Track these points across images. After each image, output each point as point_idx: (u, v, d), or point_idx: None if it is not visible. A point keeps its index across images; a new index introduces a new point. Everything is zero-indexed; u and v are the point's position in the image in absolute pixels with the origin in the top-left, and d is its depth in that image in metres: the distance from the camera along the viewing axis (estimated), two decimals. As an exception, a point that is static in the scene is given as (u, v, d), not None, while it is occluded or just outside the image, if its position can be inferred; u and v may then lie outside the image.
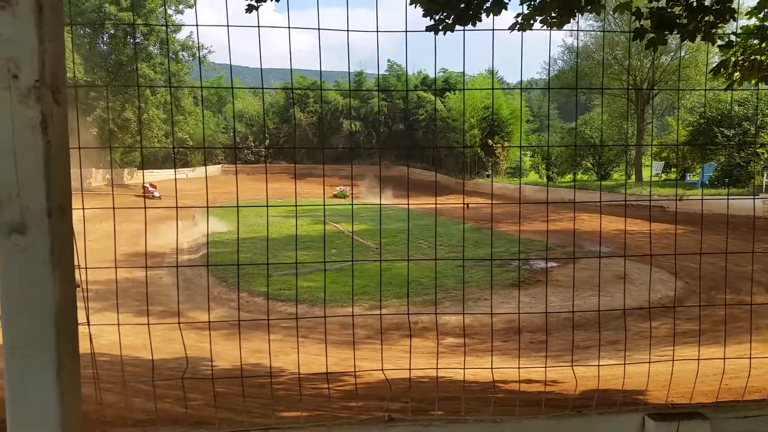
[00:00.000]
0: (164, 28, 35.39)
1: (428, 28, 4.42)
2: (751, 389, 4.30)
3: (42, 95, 1.08)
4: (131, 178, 34.74)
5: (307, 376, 6.89)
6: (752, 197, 18.33)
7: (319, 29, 1.71)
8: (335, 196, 34.16)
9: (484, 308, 11.48)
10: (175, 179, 31.62)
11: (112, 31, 34.24)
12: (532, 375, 6.39)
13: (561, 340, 10.13)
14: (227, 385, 5.94)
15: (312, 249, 17.88)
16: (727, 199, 19.03)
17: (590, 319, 10.56)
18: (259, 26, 1.77)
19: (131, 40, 34.31)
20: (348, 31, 1.71)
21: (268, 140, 45.21)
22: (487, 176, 38.38)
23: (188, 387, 5.42)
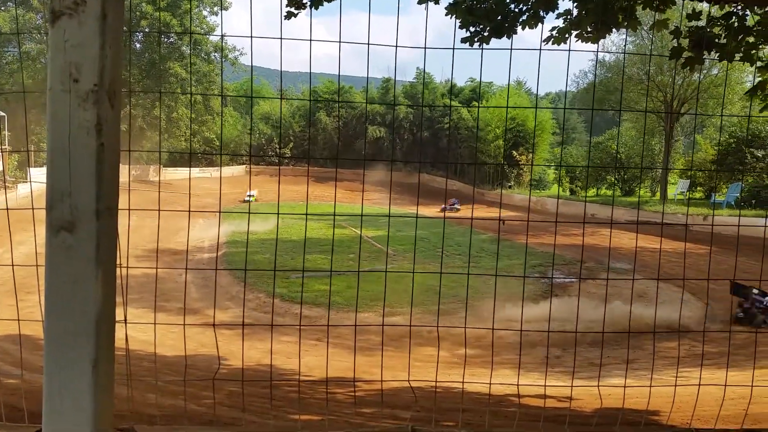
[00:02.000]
0: (198, 28, 35.90)
1: (464, 40, 4.44)
2: (761, 416, 4.23)
3: (99, 99, 1.12)
4: (156, 175, 35.23)
5: (319, 381, 6.91)
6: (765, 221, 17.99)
7: (369, 44, 1.73)
8: (244, 202, 30.55)
9: (501, 321, 11.40)
10: (219, 179, 32.02)
11: (146, 30, 34.81)
12: (547, 390, 6.34)
13: (578, 356, 10.02)
14: (240, 386, 5.97)
15: (331, 252, 17.95)
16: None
17: (608, 337, 10.43)
18: (311, 40, 1.81)
19: (166, 40, 34.81)
20: (396, 46, 1.73)
21: (292, 143, 45.45)
22: (509, 188, 38.18)
23: (201, 386, 5.47)
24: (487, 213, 28.79)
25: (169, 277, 12.95)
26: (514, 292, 13.10)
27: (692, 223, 20.14)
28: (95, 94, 1.13)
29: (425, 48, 1.86)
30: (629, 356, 9.34)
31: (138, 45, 36.02)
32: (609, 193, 35.72)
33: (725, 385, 2.14)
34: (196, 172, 36.56)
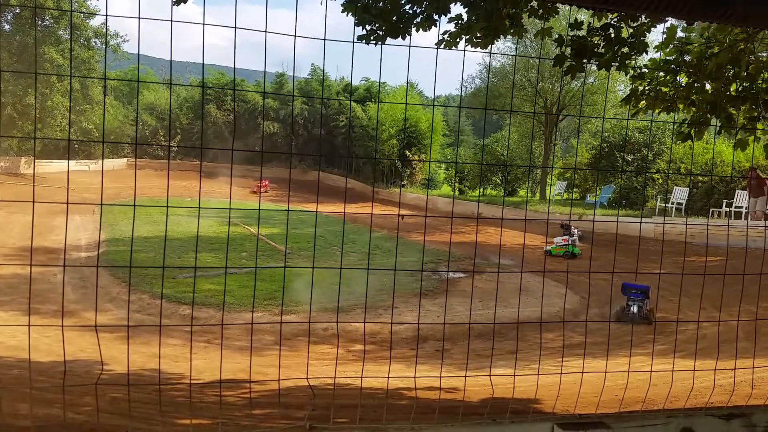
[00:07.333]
0: (75, 12, 33.49)
1: (360, 38, 4.46)
2: (632, 399, 4.60)
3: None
4: (28, 167, 32.48)
5: (208, 383, 6.69)
6: (640, 220, 19.65)
7: (266, 32, 1.67)
8: None
9: (393, 316, 11.62)
10: (68, 171, 29.97)
11: (17, 10, 31.84)
12: (435, 383, 6.53)
13: (464, 348, 10.40)
14: (123, 391, 5.66)
15: (221, 251, 17.40)
16: (617, 220, 20.31)
17: (491, 329, 10.93)
18: (204, 24, 1.71)
19: (41, 23, 32.10)
20: (295, 36, 1.68)
21: (179, 136, 43.60)
22: (403, 186, 38.91)
23: (80, 392, 5.11)
24: (380, 211, 29.18)
25: (43, 277, 12.00)
26: (407, 289, 13.39)
27: (564, 220, 21.47)
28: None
29: (324, 39, 1.83)
30: (511, 348, 9.81)
31: (7, 26, 32.97)
32: (494, 193, 37.36)
33: (605, 372, 2.30)
34: (73, 164, 34.12)
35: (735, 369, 2.88)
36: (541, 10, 4.97)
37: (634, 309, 11.25)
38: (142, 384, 5.70)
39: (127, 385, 3.52)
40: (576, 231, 19.44)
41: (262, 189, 31.78)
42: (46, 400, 4.81)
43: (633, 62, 4.62)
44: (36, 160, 32.79)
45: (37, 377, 5.95)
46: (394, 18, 4.83)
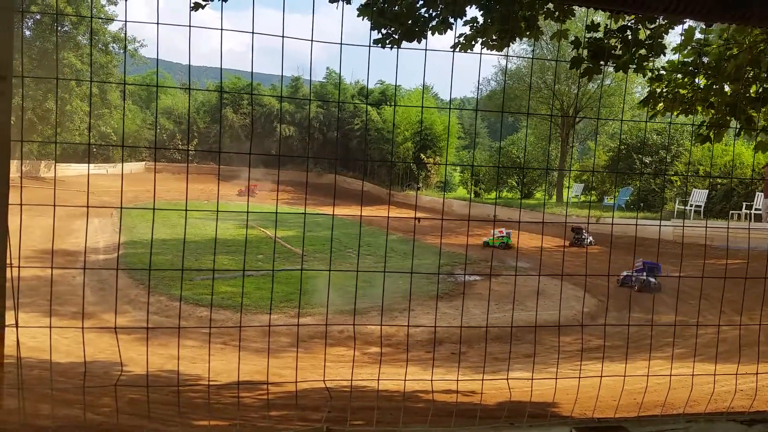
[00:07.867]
0: (95, 18, 33.95)
1: (376, 42, 4.47)
2: (651, 403, 4.55)
3: (-13, 84, 1.01)
4: (48, 171, 32.95)
5: (225, 385, 6.73)
6: (659, 222, 19.45)
7: (283, 36, 1.69)
8: None
9: (409, 319, 11.59)
10: (88, 174, 30.32)
11: (38, 17, 32.34)
12: (452, 386, 6.51)
13: (481, 351, 10.34)
14: (141, 392, 5.71)
15: (238, 253, 17.49)
16: (636, 223, 20.14)
17: (508, 332, 10.87)
18: (222, 29, 1.73)
19: (60, 28, 32.59)
20: (312, 41, 1.70)
21: (196, 140, 43.96)
22: (418, 189, 38.87)
23: (99, 393, 5.17)
24: (395, 214, 29.15)
25: (63, 279, 12.16)
26: (423, 291, 13.35)
27: (578, 223, 21.30)
28: (-16, 78, 1.02)
29: (341, 44, 1.84)
30: (527, 351, 9.74)
31: (28, 32, 33.47)
32: (510, 195, 37.19)
33: (624, 376, 2.29)
34: (92, 168, 34.57)
35: (757, 374, 2.84)
36: (557, 13, 4.95)
37: (651, 279, 12.58)
38: (160, 385, 5.75)
39: (146, 387, 3.55)
40: (587, 235, 19.39)
41: (250, 190, 32.51)
42: (66, 400, 4.86)
43: (650, 64, 4.59)
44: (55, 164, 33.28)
45: (58, 378, 6.03)
46: (410, 21, 4.84)
